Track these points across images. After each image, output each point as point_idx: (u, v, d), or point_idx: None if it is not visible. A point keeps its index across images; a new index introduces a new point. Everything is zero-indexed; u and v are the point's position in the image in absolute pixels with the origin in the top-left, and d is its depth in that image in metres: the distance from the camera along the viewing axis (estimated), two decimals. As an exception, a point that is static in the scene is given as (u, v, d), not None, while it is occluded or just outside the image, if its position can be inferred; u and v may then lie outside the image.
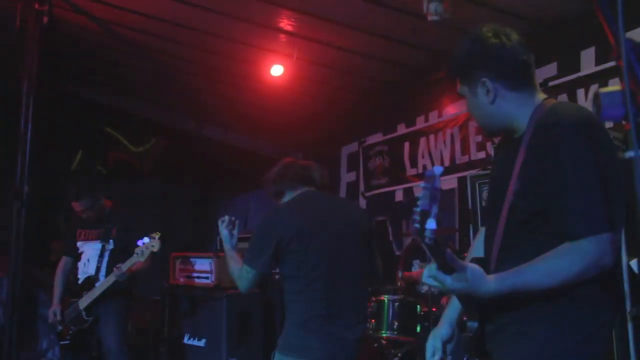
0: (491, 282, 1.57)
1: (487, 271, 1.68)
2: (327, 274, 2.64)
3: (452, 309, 1.97)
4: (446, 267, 1.52)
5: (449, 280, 1.53)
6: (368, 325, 4.28)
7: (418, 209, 1.37)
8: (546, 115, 1.67)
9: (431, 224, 1.35)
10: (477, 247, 1.98)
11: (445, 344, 1.94)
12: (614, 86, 1.21)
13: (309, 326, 2.62)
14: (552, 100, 1.76)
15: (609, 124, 3.77)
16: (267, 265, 2.70)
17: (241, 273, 2.79)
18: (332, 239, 2.70)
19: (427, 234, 1.37)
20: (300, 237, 2.64)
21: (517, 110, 1.75)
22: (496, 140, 2.14)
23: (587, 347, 1.60)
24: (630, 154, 1.13)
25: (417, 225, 1.38)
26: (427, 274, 1.58)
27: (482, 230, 2.00)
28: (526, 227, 1.67)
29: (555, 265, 1.56)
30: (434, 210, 1.36)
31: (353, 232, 2.81)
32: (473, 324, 1.75)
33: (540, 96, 1.79)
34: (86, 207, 4.32)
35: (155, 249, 4.05)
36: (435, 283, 1.57)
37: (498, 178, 1.84)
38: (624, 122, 1.18)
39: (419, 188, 1.42)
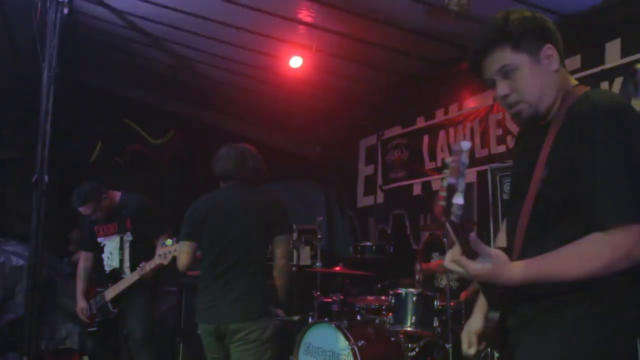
0: (516, 269, 1.53)
1: (510, 257, 1.64)
2: (213, 252, 3.26)
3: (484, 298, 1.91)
4: (469, 251, 1.48)
5: (472, 265, 1.50)
6: (385, 319, 4.27)
7: (445, 184, 1.31)
8: (579, 102, 1.62)
9: (459, 199, 1.29)
10: (501, 239, 1.94)
11: (478, 335, 1.86)
12: None
13: (199, 291, 3.33)
14: (584, 87, 1.71)
15: None
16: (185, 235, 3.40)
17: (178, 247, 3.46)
18: (219, 226, 3.28)
19: (454, 209, 1.31)
20: (201, 221, 3.33)
21: (565, 86, 1.71)
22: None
23: (610, 346, 1.55)
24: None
25: (443, 203, 1.31)
26: (450, 258, 1.54)
27: (505, 222, 1.96)
28: (553, 216, 1.61)
29: (584, 254, 1.50)
30: (462, 185, 1.30)
31: (242, 221, 3.27)
32: (494, 314, 1.71)
33: (572, 81, 1.74)
34: (92, 210, 4.33)
35: (178, 254, 4.06)
36: (458, 268, 1.54)
37: (522, 166, 1.77)
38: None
39: (446, 162, 1.35)
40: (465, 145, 1.33)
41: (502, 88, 1.71)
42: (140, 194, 4.56)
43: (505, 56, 1.69)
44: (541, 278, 1.53)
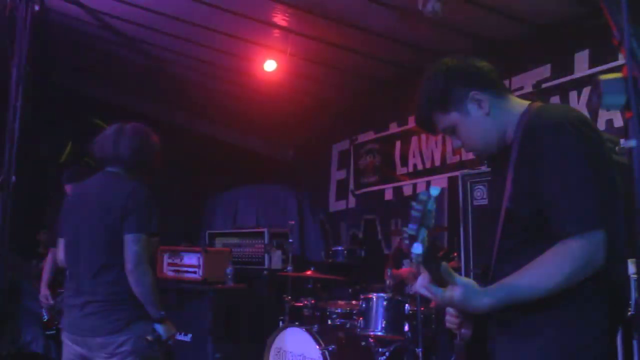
0: (484, 298, 1.57)
1: (488, 277, 1.68)
2: (69, 250, 2.86)
3: None
4: (439, 279, 1.54)
5: (440, 294, 1.55)
6: (356, 323, 4.28)
7: (407, 231, 1.41)
8: (533, 118, 1.66)
9: (417, 248, 1.39)
10: None
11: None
12: (615, 73, 1.19)
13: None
14: (538, 104, 1.75)
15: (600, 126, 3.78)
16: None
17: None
18: (75, 220, 2.84)
19: (413, 257, 1.40)
20: (64, 213, 2.94)
21: (509, 117, 1.73)
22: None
23: (586, 354, 1.58)
24: (631, 143, 1.11)
25: (407, 243, 1.42)
26: (420, 284, 1.60)
27: None
28: (524, 231, 1.66)
29: (546, 269, 1.54)
30: (422, 234, 1.39)
31: (91, 214, 2.78)
32: (466, 331, 1.74)
33: (524, 102, 1.77)
34: None
35: None
36: (428, 294, 1.59)
37: (495, 188, 1.85)
38: (624, 111, 1.17)
39: (411, 207, 1.44)
40: (434, 191, 1.42)
41: (454, 142, 1.82)
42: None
43: (440, 119, 1.78)
44: (510, 301, 1.57)
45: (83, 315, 2.71)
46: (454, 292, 1.54)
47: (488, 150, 1.79)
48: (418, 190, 5.65)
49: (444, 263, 1.51)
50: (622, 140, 1.61)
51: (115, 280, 2.69)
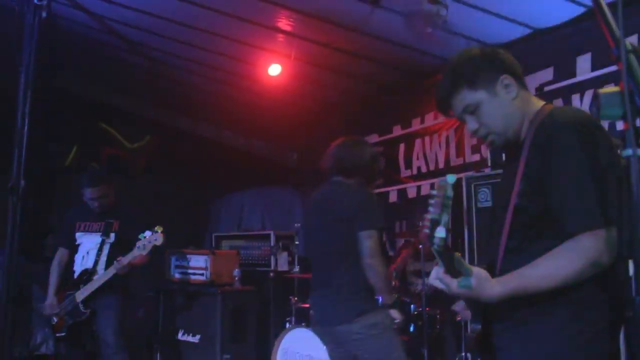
0: (495, 286, 1.62)
1: (492, 274, 1.72)
2: (311, 251, 3.36)
3: None
4: (452, 270, 1.58)
5: (454, 284, 1.60)
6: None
7: (429, 216, 1.45)
8: (545, 118, 1.73)
9: (440, 232, 1.43)
10: None
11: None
12: (613, 87, 1.27)
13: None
14: (551, 106, 1.83)
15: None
16: None
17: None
18: (312, 225, 3.36)
19: (436, 241, 1.45)
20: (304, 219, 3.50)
21: (529, 109, 1.81)
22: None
23: (588, 350, 1.64)
24: (628, 152, 1.19)
25: (427, 231, 1.46)
26: (434, 276, 1.65)
27: None
28: (531, 228, 1.71)
29: (555, 264, 1.59)
30: (444, 218, 1.44)
31: (324, 218, 3.21)
32: (476, 325, 1.79)
33: (540, 102, 1.85)
34: (101, 195, 4.31)
35: (158, 243, 4.06)
36: (442, 285, 1.64)
37: (503, 183, 1.90)
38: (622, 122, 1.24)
39: (430, 195, 1.49)
40: (451, 179, 1.47)
41: (471, 124, 1.85)
42: (134, 203, 4.58)
43: (465, 97, 1.82)
44: (520, 292, 1.62)
45: (329, 306, 3.14)
46: (466, 282, 1.59)
47: (506, 134, 1.83)
48: (422, 193, 5.70)
49: (456, 253, 1.56)
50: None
51: (354, 272, 3.07)
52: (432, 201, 1.47)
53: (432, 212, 1.45)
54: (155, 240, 4.00)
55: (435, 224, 1.43)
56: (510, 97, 1.80)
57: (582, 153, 1.60)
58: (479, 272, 1.62)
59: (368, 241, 3.05)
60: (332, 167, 3.30)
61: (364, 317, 3.03)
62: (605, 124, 3.90)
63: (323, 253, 3.22)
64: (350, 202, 3.11)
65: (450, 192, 1.45)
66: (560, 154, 1.63)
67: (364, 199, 3.16)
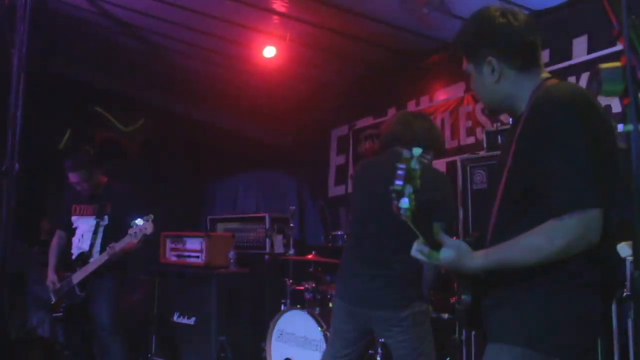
0: (477, 258, 1.65)
1: (484, 242, 1.74)
2: (358, 228, 3.01)
3: None
4: (432, 242, 1.60)
5: (434, 255, 1.62)
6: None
7: (393, 188, 1.49)
8: (540, 97, 1.71)
9: (404, 202, 1.47)
10: None
11: None
12: (614, 62, 1.26)
13: (340, 269, 3.07)
14: (553, 81, 1.79)
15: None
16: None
17: None
18: (365, 198, 3.03)
19: (402, 212, 1.49)
20: (354, 186, 3.15)
21: (520, 91, 1.79)
22: (492, 124, 2.20)
23: (578, 328, 1.65)
24: (629, 127, 1.18)
25: (395, 202, 1.49)
26: (416, 248, 1.67)
27: None
28: (519, 204, 1.71)
29: (538, 241, 1.60)
30: (408, 189, 1.47)
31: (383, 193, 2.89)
32: (467, 297, 1.81)
33: (544, 75, 1.82)
34: (82, 179, 4.30)
35: (149, 232, 4.07)
36: (423, 257, 1.66)
37: (500, 157, 1.90)
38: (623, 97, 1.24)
39: (396, 167, 1.52)
40: (416, 151, 1.50)
41: (471, 84, 1.93)
42: (126, 183, 4.56)
43: (464, 61, 1.89)
44: (502, 266, 1.64)
45: (369, 287, 2.87)
46: (447, 252, 1.61)
47: (491, 109, 1.95)
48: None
49: (435, 224, 1.58)
50: (619, 126, 1.67)
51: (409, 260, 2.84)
52: (397, 172, 1.49)
53: (396, 183, 1.48)
54: (146, 229, 4.00)
55: (399, 195, 1.47)
56: (492, 79, 1.80)
57: (572, 130, 1.60)
58: (459, 243, 1.65)
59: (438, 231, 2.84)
60: (401, 138, 2.98)
61: (413, 304, 2.87)
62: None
63: (384, 230, 2.85)
64: (437, 185, 2.83)
65: (414, 164, 1.48)
66: (550, 131, 1.62)
67: (449, 187, 2.96)
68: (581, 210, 1.55)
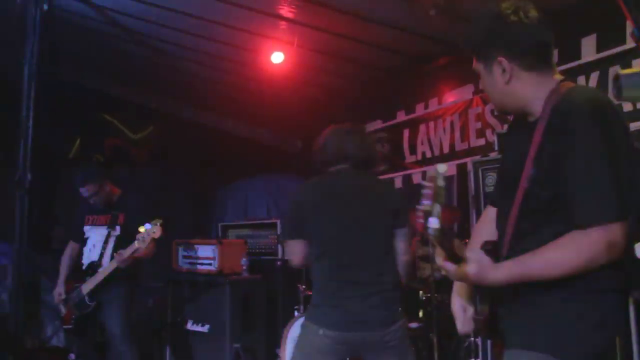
0: (498, 272, 1.62)
1: (499, 255, 1.72)
2: (334, 252, 2.80)
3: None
4: (454, 256, 1.59)
5: (456, 270, 1.60)
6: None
7: (421, 207, 1.48)
8: (563, 101, 1.66)
9: (433, 222, 1.46)
10: (484, 228, 2.00)
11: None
12: (634, 68, 1.25)
13: (322, 298, 2.81)
14: (569, 84, 1.75)
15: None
16: (299, 231, 2.88)
17: (286, 249, 2.94)
18: (338, 220, 2.83)
19: (430, 232, 1.47)
20: (312, 209, 2.85)
21: (532, 92, 1.74)
22: (502, 125, 2.17)
23: (597, 333, 1.63)
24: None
25: (422, 221, 1.49)
26: (438, 264, 1.65)
27: (488, 210, 2.02)
28: (540, 213, 1.68)
29: (562, 255, 1.58)
30: (436, 209, 1.46)
31: (367, 208, 2.87)
32: (484, 307, 1.80)
33: (557, 77, 1.77)
34: (92, 193, 4.32)
35: (156, 236, 4.06)
36: (446, 273, 1.65)
37: (511, 161, 1.84)
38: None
39: (422, 185, 1.51)
40: (441, 168, 1.49)
41: (480, 82, 1.89)
42: (140, 194, 4.57)
43: (474, 60, 1.84)
44: (526, 279, 1.61)
45: (367, 307, 2.72)
46: (470, 269, 1.59)
47: (502, 110, 1.91)
48: (427, 178, 5.68)
49: (457, 239, 1.57)
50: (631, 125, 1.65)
51: (396, 270, 2.87)
52: (423, 192, 1.48)
53: (424, 203, 1.47)
54: (154, 232, 4.00)
55: (427, 214, 1.46)
56: (503, 80, 1.75)
57: (599, 141, 1.57)
58: (481, 257, 1.62)
59: (406, 238, 2.88)
60: (341, 156, 2.96)
61: (402, 317, 2.82)
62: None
63: (367, 249, 2.81)
64: (396, 194, 2.89)
65: (441, 182, 1.47)
66: (576, 141, 1.58)
67: (400, 194, 2.98)
68: (608, 224, 1.53)
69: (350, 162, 2.95)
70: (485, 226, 1.99)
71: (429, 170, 1.50)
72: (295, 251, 2.89)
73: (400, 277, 2.87)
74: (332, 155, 2.98)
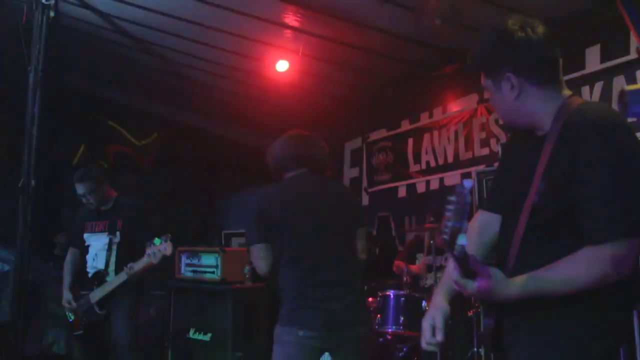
0: (512, 288, 1.60)
1: (503, 268, 1.71)
2: (311, 253, 2.82)
3: (448, 279, 1.91)
4: (468, 272, 1.57)
5: (471, 285, 1.58)
6: (374, 320, 4.33)
7: (450, 224, 1.45)
8: (574, 116, 1.65)
9: (462, 240, 1.44)
10: (481, 231, 1.98)
11: (446, 320, 1.88)
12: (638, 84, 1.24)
13: (300, 300, 2.83)
14: (578, 99, 1.74)
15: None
16: (266, 236, 2.86)
17: (254, 255, 2.93)
18: (312, 223, 2.86)
19: (458, 249, 1.46)
20: (282, 214, 2.84)
21: (542, 107, 1.73)
22: (506, 135, 2.16)
23: (599, 348, 1.62)
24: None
25: (447, 238, 1.45)
26: (453, 278, 1.64)
27: (480, 214, 2.01)
28: (549, 228, 1.67)
29: (575, 272, 1.57)
30: (465, 225, 1.44)
31: (337, 211, 2.94)
32: (489, 321, 1.78)
33: (565, 92, 1.76)
34: (88, 191, 4.28)
35: (168, 253, 4.03)
36: (457, 286, 1.64)
37: (517, 173, 1.82)
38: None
39: (449, 201, 1.47)
40: (468, 184, 1.45)
41: (490, 99, 1.88)
42: (137, 198, 4.55)
43: (482, 77, 1.82)
44: (539, 295, 1.60)
45: (343, 306, 2.78)
46: (482, 283, 1.57)
47: (510, 126, 1.89)
48: (431, 188, 5.68)
49: (472, 255, 1.55)
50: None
51: (360, 275, 2.95)
52: (451, 207, 1.45)
53: (452, 220, 1.44)
54: (165, 249, 3.99)
55: (457, 231, 1.43)
56: (512, 96, 1.74)
57: (612, 158, 1.56)
58: (494, 272, 1.60)
59: (364, 237, 3.02)
60: (300, 161, 3.01)
61: (368, 318, 2.92)
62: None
63: (341, 250, 2.89)
64: (354, 195, 3.02)
65: (468, 198, 1.44)
66: (589, 157, 1.57)
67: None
68: (619, 241, 1.53)
69: (309, 166, 3.02)
70: (479, 230, 1.97)
71: (457, 186, 1.47)
72: (262, 255, 2.88)
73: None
74: (292, 160, 3.02)
